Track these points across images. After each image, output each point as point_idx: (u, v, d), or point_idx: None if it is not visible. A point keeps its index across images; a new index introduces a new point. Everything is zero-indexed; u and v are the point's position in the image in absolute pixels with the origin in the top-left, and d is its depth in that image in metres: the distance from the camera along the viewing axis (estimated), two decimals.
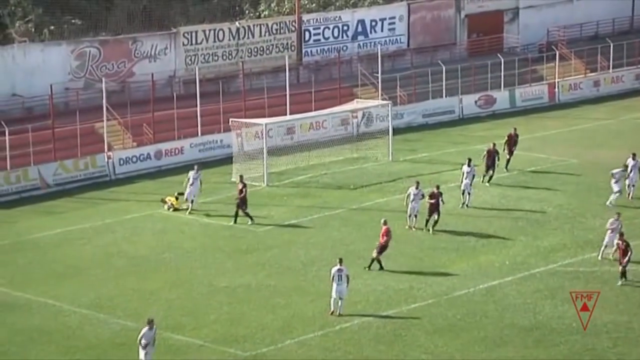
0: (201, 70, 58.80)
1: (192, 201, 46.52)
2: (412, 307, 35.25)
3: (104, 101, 53.57)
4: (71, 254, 41.81)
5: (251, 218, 44.55)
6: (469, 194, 45.95)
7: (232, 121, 54.19)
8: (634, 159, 46.62)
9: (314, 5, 69.26)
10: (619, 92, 70.31)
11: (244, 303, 36.01)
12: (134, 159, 54.08)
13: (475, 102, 65.75)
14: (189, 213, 46.00)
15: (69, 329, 34.27)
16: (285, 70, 58.63)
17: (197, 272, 39.18)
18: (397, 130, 57.63)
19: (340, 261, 35.11)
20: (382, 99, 60.83)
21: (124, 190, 51.33)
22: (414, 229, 43.08)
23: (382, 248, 38.87)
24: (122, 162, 53.67)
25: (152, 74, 57.35)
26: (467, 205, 45.92)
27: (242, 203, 44.52)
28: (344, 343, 32.66)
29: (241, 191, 44.58)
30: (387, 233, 38.95)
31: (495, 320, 34.16)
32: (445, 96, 65.03)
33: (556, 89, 68.69)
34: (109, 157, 53.36)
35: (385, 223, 39.20)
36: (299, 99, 59.49)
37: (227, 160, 53.77)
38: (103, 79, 55.20)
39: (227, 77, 62.32)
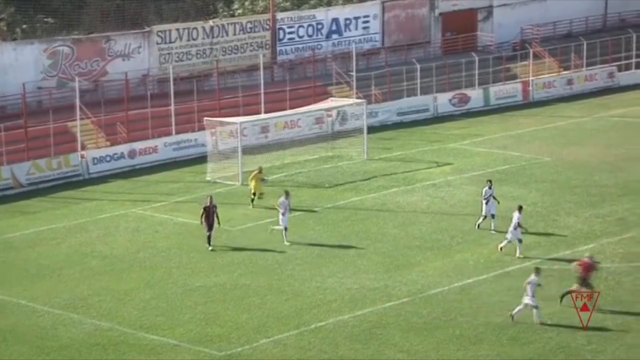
0: (175, 69, 58.80)
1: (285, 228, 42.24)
2: (387, 306, 35.28)
3: (77, 100, 53.43)
4: (45, 254, 41.67)
5: (209, 242, 41.42)
6: (492, 216, 42.35)
7: (206, 120, 54.23)
8: None
9: (288, 3, 69.40)
10: (592, 90, 70.85)
11: (219, 302, 36.01)
12: (108, 158, 53.96)
13: (450, 100, 66.02)
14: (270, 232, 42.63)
15: (43, 329, 34.14)
16: (260, 69, 58.67)
17: (172, 272, 39.13)
18: (371, 129, 57.85)
19: (537, 271, 34.02)
20: (357, 98, 61.01)
21: (97, 189, 51.21)
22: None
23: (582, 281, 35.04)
24: (95, 161, 53.53)
25: (126, 73, 57.28)
26: (494, 230, 42.16)
27: (210, 225, 41.26)
28: (319, 342, 32.68)
29: (210, 213, 41.23)
30: (588, 267, 35.11)
31: (470, 318, 34.22)
32: (420, 95, 65.29)
33: (530, 87, 69.10)
34: (82, 157, 53.22)
35: (590, 258, 35.33)
36: (273, 97, 59.58)
37: (202, 159, 53.77)
38: (76, 78, 55.06)
39: (201, 76, 62.39)
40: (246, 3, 68.84)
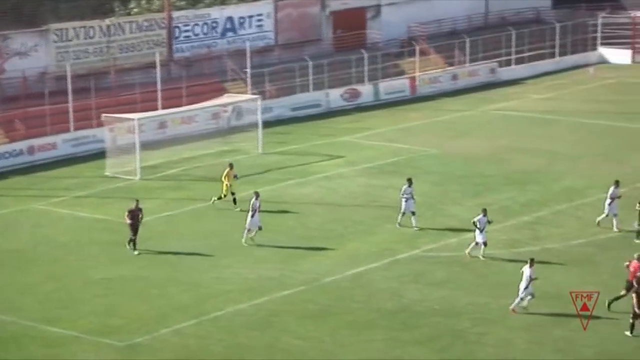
0: (72, 66, 58.42)
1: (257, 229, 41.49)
2: (283, 294, 35.83)
3: None
4: None
5: (134, 246, 40.70)
6: (412, 213, 42.50)
7: (104, 116, 54.34)
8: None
9: (183, 2, 69.24)
10: (475, 85, 72.55)
11: (120, 294, 36.20)
12: (7, 155, 53.81)
13: (341, 95, 67.14)
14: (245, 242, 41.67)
15: None
16: (156, 66, 59.06)
17: (73, 265, 39.25)
18: (266, 124, 58.17)
19: (531, 262, 34.08)
20: (252, 94, 61.46)
21: None
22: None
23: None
24: None
25: (23, 71, 57.25)
26: (416, 227, 42.47)
27: (134, 230, 40.57)
28: (217, 331, 32.98)
29: (134, 216, 40.56)
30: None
31: (362, 304, 34.91)
32: (313, 90, 66.39)
33: (417, 83, 70.48)
34: None
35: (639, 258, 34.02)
36: (170, 94, 59.72)
37: (101, 154, 53.89)
38: None
39: (99, 74, 62.06)
40: (142, 2, 68.30)
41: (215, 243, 41.49)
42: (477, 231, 38.99)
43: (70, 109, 56.24)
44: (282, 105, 64.61)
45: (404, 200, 42.52)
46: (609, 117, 62.80)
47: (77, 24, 62.80)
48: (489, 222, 39.17)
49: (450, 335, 32.61)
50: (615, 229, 41.67)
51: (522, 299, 34.18)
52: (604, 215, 42.15)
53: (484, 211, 39.25)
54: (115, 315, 34.49)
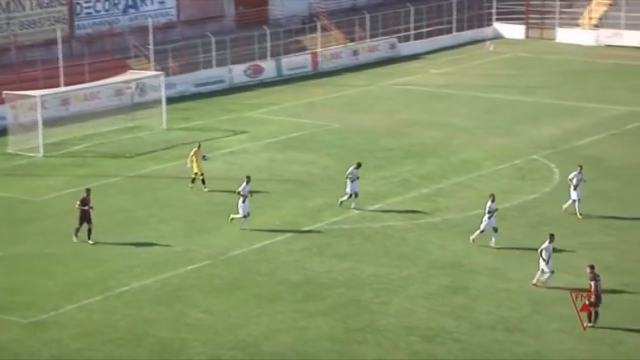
0: None
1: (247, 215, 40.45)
2: (189, 269, 36.05)
3: None
4: None
5: (76, 235, 39.08)
6: (356, 194, 42.24)
7: (5, 93, 54.04)
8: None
9: None
10: (376, 60, 73.57)
11: (25, 271, 36.09)
12: None
13: (244, 71, 67.60)
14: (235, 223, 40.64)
15: None
16: (58, 42, 58.77)
17: None
18: (170, 100, 58.29)
19: (551, 237, 34.07)
20: (155, 70, 61.51)
21: None
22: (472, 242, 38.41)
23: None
24: None
25: None
26: (353, 208, 42.23)
27: (83, 217, 39.00)
28: (123, 306, 33.03)
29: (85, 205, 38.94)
30: None
31: (268, 277, 35.32)
32: (215, 66, 66.70)
33: (319, 58, 71.27)
34: None
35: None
36: (72, 70, 59.40)
37: (3, 132, 53.53)
38: None
39: None
40: None
41: (120, 219, 41.58)
42: (486, 217, 37.79)
43: None
44: (186, 82, 64.80)
45: (349, 181, 42.27)
46: (504, 91, 64.28)
47: None
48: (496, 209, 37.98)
49: (354, 305, 33.13)
50: (578, 215, 41.16)
51: (543, 272, 34.09)
52: (570, 202, 41.44)
53: (492, 197, 37.93)
54: (20, 292, 34.38)
